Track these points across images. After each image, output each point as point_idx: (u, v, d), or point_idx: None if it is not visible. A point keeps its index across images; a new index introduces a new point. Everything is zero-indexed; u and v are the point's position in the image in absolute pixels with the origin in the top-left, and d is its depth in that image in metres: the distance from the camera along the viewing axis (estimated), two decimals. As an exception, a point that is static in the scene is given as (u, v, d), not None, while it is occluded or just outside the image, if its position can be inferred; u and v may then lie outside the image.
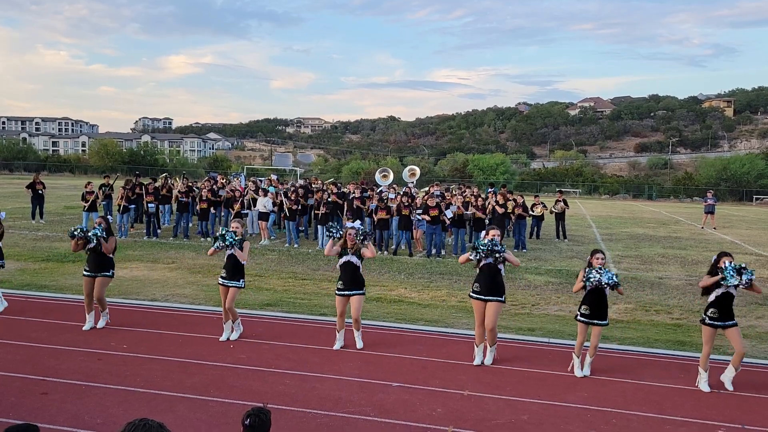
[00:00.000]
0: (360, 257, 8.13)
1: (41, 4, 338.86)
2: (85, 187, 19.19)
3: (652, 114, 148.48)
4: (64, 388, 6.55)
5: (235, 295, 8.35)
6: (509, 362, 7.72)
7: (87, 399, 6.27)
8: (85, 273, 8.70)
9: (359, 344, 8.19)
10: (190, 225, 20.92)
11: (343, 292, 8.12)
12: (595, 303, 7.33)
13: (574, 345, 8.73)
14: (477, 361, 7.65)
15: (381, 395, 6.64)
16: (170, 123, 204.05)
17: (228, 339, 8.39)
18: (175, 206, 19.49)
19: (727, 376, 7.15)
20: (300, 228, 19.43)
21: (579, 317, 7.44)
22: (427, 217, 16.41)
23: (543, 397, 6.76)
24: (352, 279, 8.07)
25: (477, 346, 7.74)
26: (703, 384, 7.15)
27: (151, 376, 6.98)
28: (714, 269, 7.10)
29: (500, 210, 17.41)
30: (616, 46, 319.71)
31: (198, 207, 18.81)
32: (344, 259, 8.13)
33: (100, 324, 8.71)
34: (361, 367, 7.48)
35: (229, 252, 8.32)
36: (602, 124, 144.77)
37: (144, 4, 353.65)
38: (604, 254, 7.45)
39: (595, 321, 7.36)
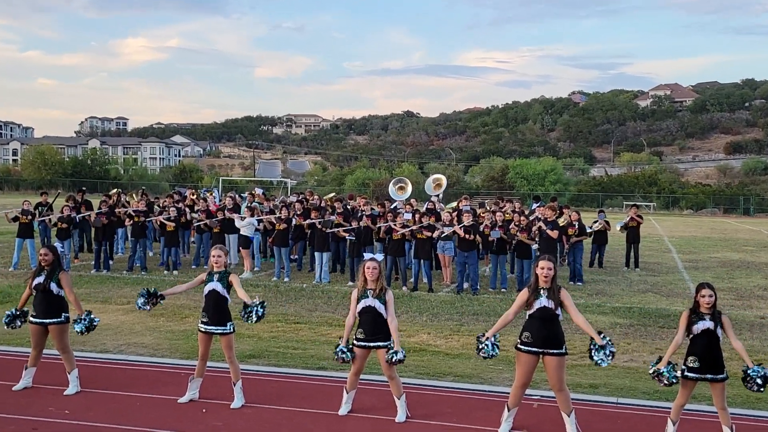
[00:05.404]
0: (384, 301, 7.90)
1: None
2: (22, 205, 19.35)
3: (746, 104, 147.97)
4: (-11, 465, 6.56)
5: (231, 344, 8.33)
6: (564, 428, 7.63)
7: (18, 480, 6.27)
8: (31, 320, 8.70)
9: (401, 416, 7.92)
10: (150, 254, 20.99)
11: (363, 344, 7.92)
12: (707, 351, 7.21)
13: (648, 407, 8.64)
14: (504, 429, 7.58)
15: (398, 473, 6.59)
16: (125, 124, 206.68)
17: (191, 401, 8.39)
18: (129, 230, 19.59)
19: None
20: (292, 256, 19.49)
21: (686, 372, 7.28)
22: (459, 231, 16.24)
23: (610, 474, 6.67)
24: (375, 327, 7.87)
25: (509, 409, 7.66)
26: None
27: (101, 449, 6.97)
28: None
29: (553, 233, 17.14)
30: (700, 17, 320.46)
31: (158, 231, 18.83)
32: (363, 304, 7.89)
33: (70, 390, 8.62)
34: (371, 437, 7.44)
35: (209, 287, 8.32)
36: (682, 117, 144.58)
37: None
38: (713, 290, 7.34)
39: (709, 375, 7.24)
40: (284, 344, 11.30)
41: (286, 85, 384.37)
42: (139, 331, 12.02)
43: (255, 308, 8.16)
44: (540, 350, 7.39)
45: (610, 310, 14.79)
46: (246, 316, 8.18)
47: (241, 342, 11.10)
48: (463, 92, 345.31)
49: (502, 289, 16.84)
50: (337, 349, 7.95)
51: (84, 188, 24.04)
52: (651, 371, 7.38)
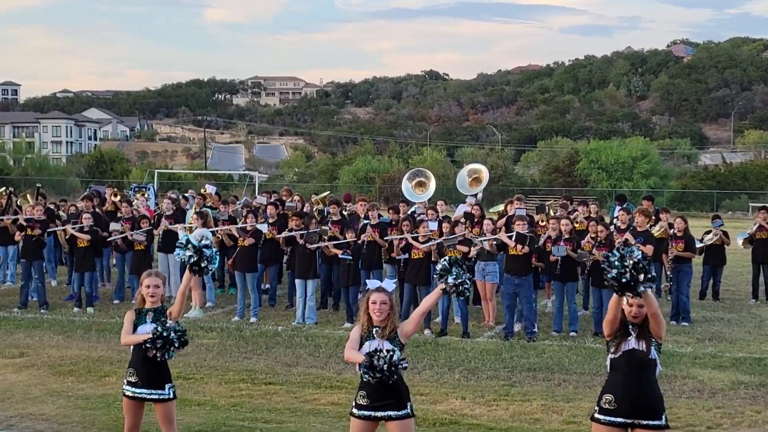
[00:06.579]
0: (399, 345, 7.77)
1: None
2: None
3: None
4: None
5: (170, 416, 8.30)
6: None
7: None
8: None
9: None
10: (53, 283, 21.02)
11: (367, 413, 7.75)
12: None
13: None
14: None
15: None
16: (15, 92, 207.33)
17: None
18: (21, 247, 19.56)
19: None
20: (263, 286, 19.48)
21: None
22: (506, 240, 16.23)
23: None
24: (384, 387, 7.67)
25: None
26: None
27: None
28: None
29: (646, 249, 17.05)
30: None
31: (65, 249, 18.84)
32: (368, 348, 7.70)
33: None
34: None
35: (145, 328, 8.15)
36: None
37: None
38: None
39: None
40: (250, 415, 11.28)
41: (252, 34, 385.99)
42: (37, 397, 12.02)
43: (171, 333, 7.91)
44: (628, 420, 7.31)
45: (730, 362, 14.71)
46: (160, 345, 7.86)
47: (187, 411, 11.13)
48: (511, 43, 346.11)
49: (572, 333, 16.81)
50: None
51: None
52: None
